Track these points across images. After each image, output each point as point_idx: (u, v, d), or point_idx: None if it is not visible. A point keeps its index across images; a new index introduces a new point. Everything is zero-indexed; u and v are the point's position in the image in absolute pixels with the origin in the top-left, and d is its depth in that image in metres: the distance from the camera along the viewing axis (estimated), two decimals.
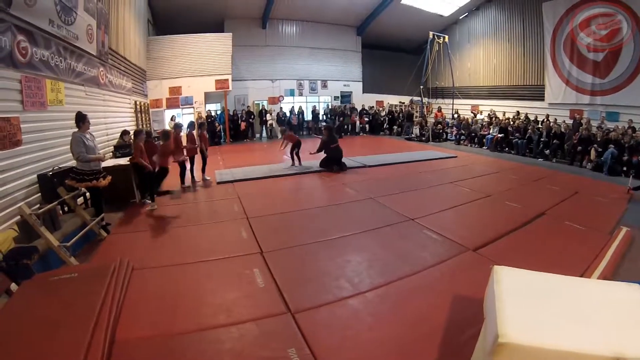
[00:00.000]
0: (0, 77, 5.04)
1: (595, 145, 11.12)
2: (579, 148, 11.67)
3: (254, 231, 5.50)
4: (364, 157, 12.00)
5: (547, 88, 15.66)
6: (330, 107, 21.00)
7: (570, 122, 13.62)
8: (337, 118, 19.87)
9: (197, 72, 16.52)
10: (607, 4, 12.99)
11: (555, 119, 13.90)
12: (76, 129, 5.55)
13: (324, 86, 21.50)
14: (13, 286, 3.60)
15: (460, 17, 20.36)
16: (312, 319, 3.25)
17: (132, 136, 7.55)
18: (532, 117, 15.03)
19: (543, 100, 15.89)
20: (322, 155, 10.42)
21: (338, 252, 4.76)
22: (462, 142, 16.68)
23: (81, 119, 5.54)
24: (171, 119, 15.48)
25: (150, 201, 7.11)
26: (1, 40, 5.00)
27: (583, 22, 13.85)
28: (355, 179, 9.14)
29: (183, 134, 9.23)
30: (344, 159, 10.42)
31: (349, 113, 20.49)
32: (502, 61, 18.11)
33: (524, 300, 2.15)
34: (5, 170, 5.05)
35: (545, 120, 13.99)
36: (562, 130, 12.71)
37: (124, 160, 7.44)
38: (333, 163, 10.16)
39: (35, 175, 5.73)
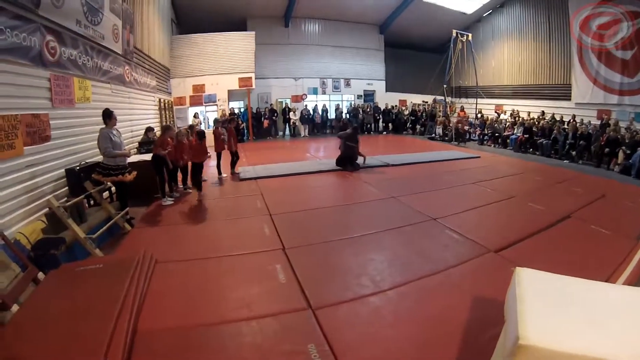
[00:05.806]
0: (30, 76, 5.22)
1: (623, 147, 10.71)
2: (607, 150, 11.24)
3: (277, 227, 5.51)
4: (387, 156, 11.89)
5: (573, 87, 15.25)
6: (352, 105, 20.94)
7: (598, 122, 13.18)
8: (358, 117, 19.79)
9: (221, 70, 16.68)
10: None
11: (582, 120, 13.52)
12: (103, 125, 5.70)
13: (347, 85, 21.48)
14: (40, 275, 3.72)
15: (484, 15, 20.07)
16: (332, 315, 3.24)
17: (162, 129, 7.67)
18: (557, 118, 14.65)
19: (569, 100, 15.47)
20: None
21: (359, 249, 4.74)
22: (485, 142, 16.40)
23: (108, 116, 5.70)
24: (194, 117, 15.73)
25: (167, 198, 7.23)
26: (31, 40, 5.17)
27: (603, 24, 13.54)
28: (378, 177, 9.08)
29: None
30: (367, 158, 10.36)
31: (370, 112, 20.34)
32: (527, 59, 17.71)
33: (545, 303, 2.11)
34: (34, 164, 5.23)
35: (571, 120, 13.60)
36: (589, 131, 12.27)
37: (149, 156, 7.55)
38: (346, 162, 10.02)
39: (63, 170, 5.93)
